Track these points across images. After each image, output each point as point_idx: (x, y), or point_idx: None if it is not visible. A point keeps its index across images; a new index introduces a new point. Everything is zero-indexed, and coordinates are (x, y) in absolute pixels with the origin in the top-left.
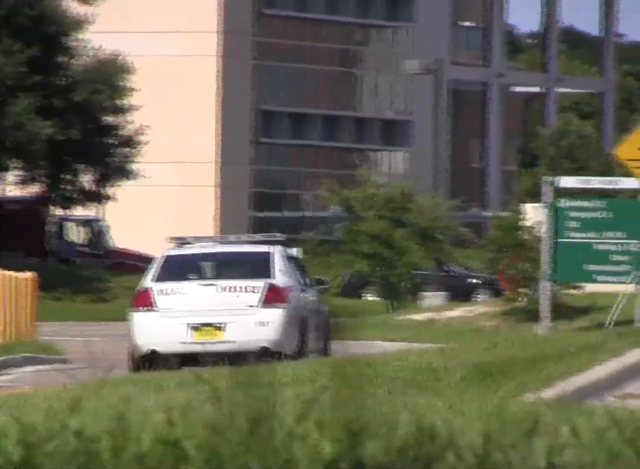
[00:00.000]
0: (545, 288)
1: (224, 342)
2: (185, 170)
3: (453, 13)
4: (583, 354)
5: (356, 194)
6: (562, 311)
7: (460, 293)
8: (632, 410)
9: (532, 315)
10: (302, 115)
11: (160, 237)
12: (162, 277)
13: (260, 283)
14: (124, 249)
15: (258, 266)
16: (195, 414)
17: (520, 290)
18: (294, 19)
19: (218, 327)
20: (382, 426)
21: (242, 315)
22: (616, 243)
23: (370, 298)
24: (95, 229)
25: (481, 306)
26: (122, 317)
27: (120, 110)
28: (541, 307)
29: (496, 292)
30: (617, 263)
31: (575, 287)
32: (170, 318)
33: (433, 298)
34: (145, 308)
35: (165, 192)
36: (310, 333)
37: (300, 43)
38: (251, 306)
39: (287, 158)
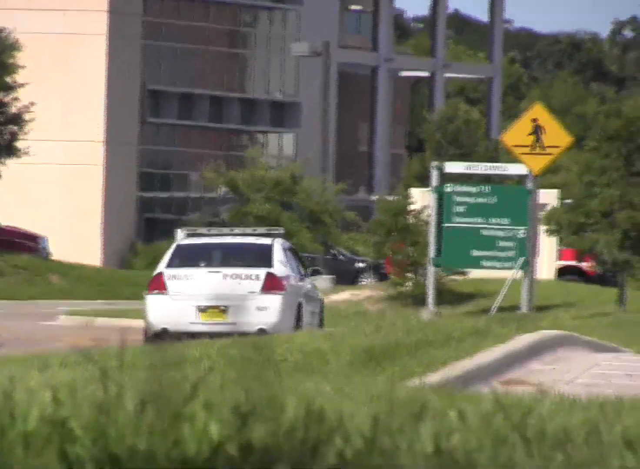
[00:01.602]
0: (430, 273)
1: (226, 324)
2: (72, 148)
3: None
4: (468, 339)
5: (244, 176)
6: (447, 296)
7: (347, 276)
8: (518, 395)
9: (417, 299)
10: (190, 95)
11: (47, 215)
12: (173, 264)
13: (260, 272)
14: (11, 227)
15: (259, 257)
16: (82, 394)
17: (406, 274)
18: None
19: (222, 310)
20: (270, 408)
21: (244, 300)
22: (502, 229)
23: None
24: None
25: (367, 290)
26: (12, 295)
27: (6, 88)
28: (426, 292)
29: (382, 276)
30: (503, 249)
31: (460, 273)
32: (180, 300)
33: (320, 281)
34: (158, 291)
35: (53, 170)
36: (305, 317)
37: (189, 23)
38: (252, 292)
39: (175, 138)
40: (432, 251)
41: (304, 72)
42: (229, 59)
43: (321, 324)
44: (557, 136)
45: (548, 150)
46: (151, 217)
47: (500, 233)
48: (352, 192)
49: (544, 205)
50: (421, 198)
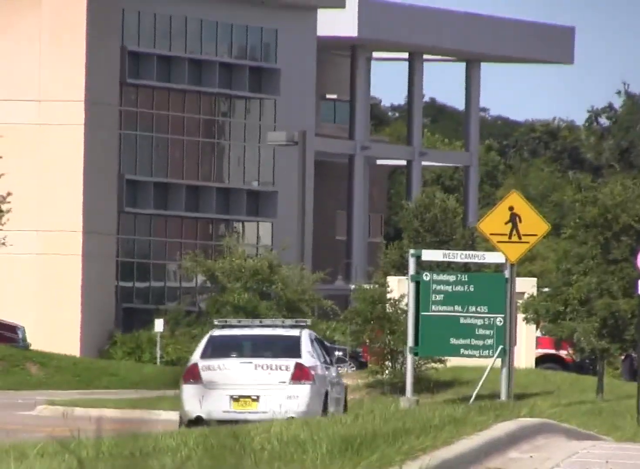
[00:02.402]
0: (409, 361)
1: (258, 412)
2: (49, 238)
3: (319, 86)
4: (447, 428)
5: (222, 265)
6: (426, 384)
7: None
8: None
9: (396, 387)
10: (167, 184)
11: (23, 305)
12: (207, 354)
13: (290, 363)
14: None
15: (289, 347)
16: None
17: (384, 362)
18: (159, 88)
19: (254, 399)
20: None
21: (274, 390)
22: (480, 317)
23: None
24: None
25: (345, 379)
26: None
27: None
28: (405, 380)
29: (361, 365)
30: (482, 337)
31: (439, 361)
32: (214, 389)
33: None
34: (193, 380)
35: (28, 259)
36: (330, 403)
37: (165, 113)
38: (282, 382)
39: (152, 228)
40: (410, 340)
41: (281, 161)
42: (205, 148)
43: (345, 408)
44: (534, 224)
45: (525, 238)
46: (129, 306)
47: (479, 322)
48: (330, 280)
49: (522, 293)
50: (398, 287)
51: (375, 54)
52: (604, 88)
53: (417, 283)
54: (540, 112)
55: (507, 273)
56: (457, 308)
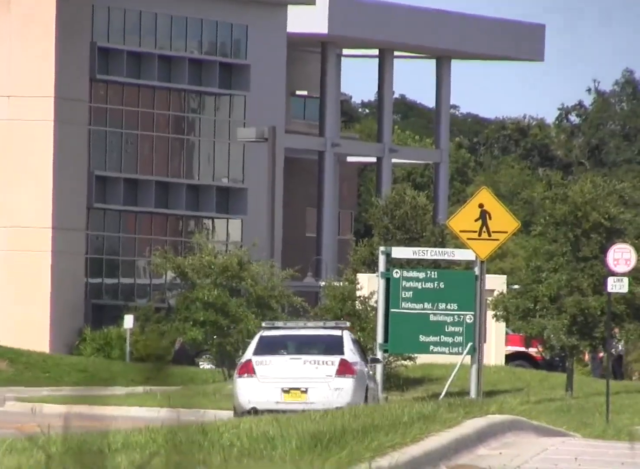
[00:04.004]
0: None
1: (307, 403)
2: (18, 235)
3: (289, 82)
4: (416, 424)
5: (192, 261)
6: (395, 381)
7: None
8: None
9: None
10: (136, 181)
11: None
12: (259, 352)
13: (335, 359)
14: None
15: (333, 346)
16: None
17: None
18: (128, 85)
19: (303, 391)
20: None
21: (321, 383)
22: (451, 315)
23: (205, 366)
24: None
25: None
26: None
27: None
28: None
29: None
30: (451, 334)
31: (408, 358)
32: (267, 383)
33: None
34: (247, 375)
35: None
36: (370, 396)
37: (135, 109)
38: (328, 375)
39: (121, 224)
40: (379, 337)
41: (250, 157)
42: (175, 145)
43: (377, 401)
44: (504, 221)
45: (494, 236)
46: (99, 302)
47: (449, 319)
48: (300, 277)
49: (492, 290)
50: (368, 284)
51: (345, 51)
52: (574, 86)
53: (387, 280)
54: (511, 110)
55: (477, 270)
56: (426, 305)
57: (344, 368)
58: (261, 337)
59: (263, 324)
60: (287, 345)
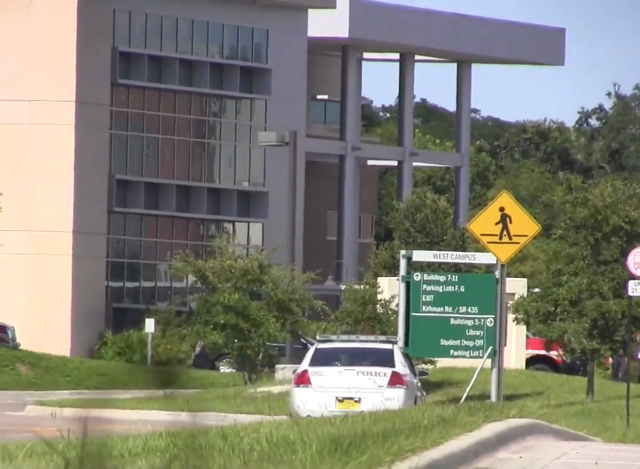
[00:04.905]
0: None
1: (360, 412)
2: (40, 238)
3: (310, 86)
4: (436, 428)
5: (212, 265)
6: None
7: None
8: None
9: None
10: (157, 185)
11: (13, 306)
12: (314, 363)
13: (387, 370)
14: None
15: (384, 358)
16: None
17: None
18: (150, 89)
19: (356, 400)
20: None
21: (374, 393)
22: (471, 318)
23: (226, 370)
24: None
25: None
26: None
27: None
28: None
29: None
30: (472, 338)
31: (429, 361)
32: (322, 392)
33: (289, 370)
34: (304, 385)
35: (17, 259)
36: (418, 405)
37: (156, 113)
38: (380, 386)
39: (142, 228)
40: (400, 341)
41: (271, 161)
42: (196, 148)
43: None
44: (524, 225)
45: (515, 239)
46: (120, 306)
47: (469, 322)
48: (320, 280)
49: (512, 294)
50: (389, 287)
51: (366, 55)
52: (595, 90)
53: (408, 284)
54: (531, 113)
55: (497, 274)
56: (447, 308)
57: (396, 379)
58: (316, 349)
59: (318, 337)
60: (341, 357)
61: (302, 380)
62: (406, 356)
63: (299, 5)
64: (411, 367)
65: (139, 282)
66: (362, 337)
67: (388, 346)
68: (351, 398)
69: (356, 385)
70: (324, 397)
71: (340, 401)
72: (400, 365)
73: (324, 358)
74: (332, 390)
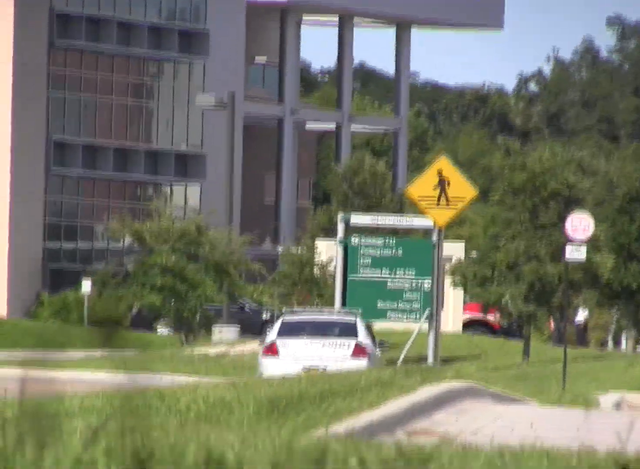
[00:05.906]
0: None
1: None
2: None
3: (249, 49)
4: (373, 390)
5: (149, 227)
6: None
7: (254, 327)
8: (419, 444)
9: None
10: (95, 146)
11: None
12: (281, 334)
13: (350, 342)
14: None
15: (348, 330)
16: None
17: None
18: (88, 51)
19: (322, 369)
20: (171, 455)
21: (338, 362)
22: (408, 281)
23: (163, 332)
24: None
25: None
26: None
27: None
28: None
29: None
30: (409, 301)
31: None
32: (289, 362)
33: (226, 332)
34: (272, 355)
35: None
36: None
37: (94, 75)
38: (344, 356)
39: (80, 189)
40: (337, 303)
41: (209, 124)
42: (134, 110)
43: None
44: (462, 189)
45: (453, 203)
46: (57, 267)
47: (406, 285)
48: (258, 243)
49: (450, 257)
50: (327, 250)
51: (305, 18)
52: (534, 55)
53: (346, 247)
54: (470, 77)
55: (434, 238)
56: (384, 272)
57: (359, 351)
58: (283, 321)
59: (284, 310)
60: (307, 328)
61: (270, 350)
62: (369, 327)
63: None
64: (373, 339)
65: (76, 243)
66: (326, 310)
67: (352, 318)
68: (316, 368)
69: (321, 355)
70: (292, 367)
71: (307, 371)
72: (363, 337)
73: (291, 330)
74: (298, 360)
